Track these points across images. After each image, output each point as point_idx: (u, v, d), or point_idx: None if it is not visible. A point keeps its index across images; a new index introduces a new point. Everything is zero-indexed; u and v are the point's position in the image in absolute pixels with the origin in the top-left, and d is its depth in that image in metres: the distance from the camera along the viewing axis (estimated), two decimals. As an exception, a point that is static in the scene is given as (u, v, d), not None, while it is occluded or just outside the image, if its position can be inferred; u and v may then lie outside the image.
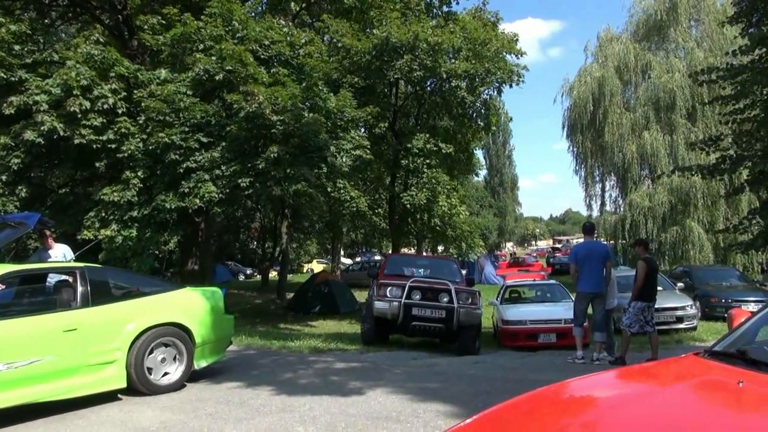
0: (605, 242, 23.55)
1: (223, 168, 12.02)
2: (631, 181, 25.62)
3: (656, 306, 11.07)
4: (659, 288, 12.49)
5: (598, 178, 28.47)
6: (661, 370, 3.03)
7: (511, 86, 17.16)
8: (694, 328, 11.87)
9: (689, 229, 23.46)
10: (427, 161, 16.49)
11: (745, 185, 11.53)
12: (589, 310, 8.79)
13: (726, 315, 7.13)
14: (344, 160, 12.81)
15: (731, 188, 14.32)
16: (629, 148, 25.11)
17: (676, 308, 11.96)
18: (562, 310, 10.82)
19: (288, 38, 13.78)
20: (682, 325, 11.84)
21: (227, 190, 12.05)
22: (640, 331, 8.17)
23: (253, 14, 14.89)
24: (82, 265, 6.08)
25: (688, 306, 12.18)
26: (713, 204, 22.95)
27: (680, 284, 13.78)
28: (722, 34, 21.45)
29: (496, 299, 12.98)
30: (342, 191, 13.58)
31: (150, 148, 12.02)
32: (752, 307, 11.17)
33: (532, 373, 7.18)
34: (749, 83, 9.91)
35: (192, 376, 6.38)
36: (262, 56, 13.27)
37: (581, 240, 9.09)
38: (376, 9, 16.44)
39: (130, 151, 12.04)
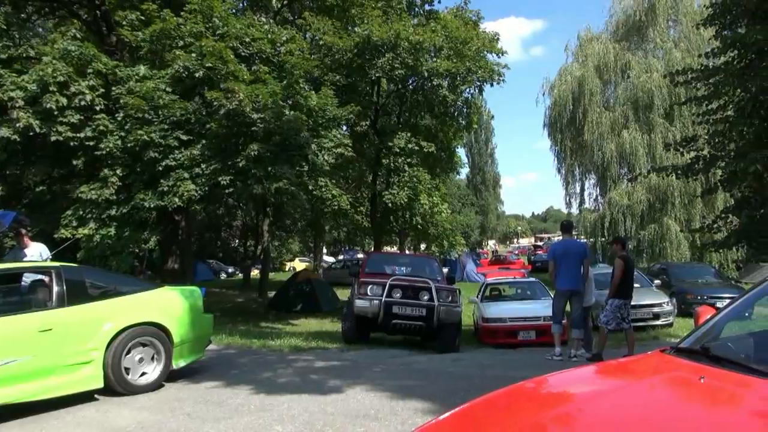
0: (584, 240, 23.80)
1: (203, 166, 11.95)
2: (610, 180, 25.89)
3: (634, 303, 11.28)
4: (637, 285, 12.74)
5: (578, 177, 28.75)
6: (630, 366, 3.11)
7: (492, 85, 17.21)
8: (671, 325, 12.07)
9: (667, 227, 23.80)
10: (409, 160, 16.53)
11: (719, 185, 11.69)
12: (568, 307, 8.86)
13: None
14: (326, 158, 12.82)
15: (706, 188, 14.57)
16: (608, 147, 25.37)
17: (653, 305, 12.17)
18: (541, 308, 10.94)
19: (269, 36, 13.73)
20: (658, 322, 12.05)
21: (207, 189, 12.00)
22: (617, 328, 8.31)
23: (233, 11, 14.78)
24: (57, 264, 6.03)
25: (664, 303, 12.39)
26: (690, 202, 23.29)
27: (657, 281, 14.01)
28: (699, 35, 21.82)
29: (477, 297, 13.08)
30: (323, 189, 13.52)
31: (129, 145, 11.90)
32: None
33: (511, 370, 7.27)
34: (722, 84, 10.09)
35: (170, 375, 6.37)
36: (243, 54, 13.24)
37: (560, 238, 9.24)
38: (358, 7, 16.46)
39: (108, 149, 11.91)
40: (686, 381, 2.45)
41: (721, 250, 15.03)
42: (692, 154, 11.53)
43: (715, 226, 12.69)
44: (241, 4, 16.88)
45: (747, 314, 3.26)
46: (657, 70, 24.35)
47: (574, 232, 13.22)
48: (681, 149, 11.76)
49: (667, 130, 24.08)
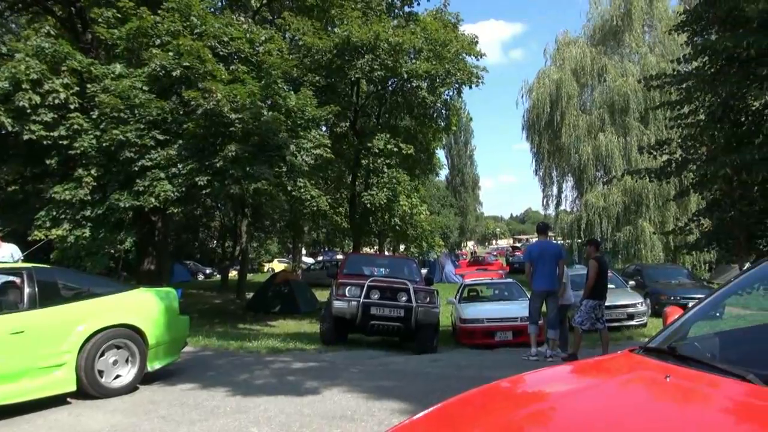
0: (560, 242, 24.07)
1: (180, 166, 11.87)
2: (586, 182, 26.22)
3: (609, 304, 11.51)
4: (612, 286, 12.98)
5: (555, 179, 29.04)
6: (601, 366, 3.16)
7: (470, 87, 17.28)
8: (645, 325, 12.28)
9: (641, 229, 24.19)
10: (388, 161, 16.55)
11: (691, 188, 11.96)
12: (544, 308, 8.95)
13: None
14: (305, 159, 12.81)
15: (679, 190, 14.93)
16: (585, 150, 25.68)
17: (627, 305, 12.39)
18: (518, 309, 11.03)
19: (247, 35, 13.66)
20: (633, 322, 12.26)
21: (184, 189, 11.92)
22: (591, 328, 8.44)
23: (212, 10, 14.66)
24: (29, 265, 5.93)
25: (638, 303, 12.63)
26: (664, 205, 23.63)
27: (632, 282, 14.26)
28: (674, 40, 22.23)
29: (455, 298, 13.14)
30: (302, 190, 13.48)
31: (104, 145, 11.73)
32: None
33: (487, 370, 7.34)
34: (694, 89, 10.31)
35: (145, 378, 6.31)
36: (221, 53, 13.16)
37: (537, 239, 9.41)
38: (338, 8, 16.44)
39: (82, 148, 11.72)
40: (653, 380, 2.48)
41: (693, 252, 15.25)
42: (665, 157, 11.73)
43: (687, 228, 12.94)
44: (219, 3, 16.73)
45: (718, 314, 3.34)
46: (633, 75, 24.71)
47: (551, 234, 13.34)
48: (654, 152, 12.02)
49: (642, 134, 24.47)
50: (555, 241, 17.84)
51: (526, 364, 7.76)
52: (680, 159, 11.17)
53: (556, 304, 8.58)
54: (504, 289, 13.40)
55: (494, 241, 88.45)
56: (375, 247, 23.41)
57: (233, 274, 29.04)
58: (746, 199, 10.59)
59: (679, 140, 11.54)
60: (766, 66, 8.16)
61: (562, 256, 8.72)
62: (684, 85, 10.48)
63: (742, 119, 10.14)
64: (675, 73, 10.69)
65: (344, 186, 19.40)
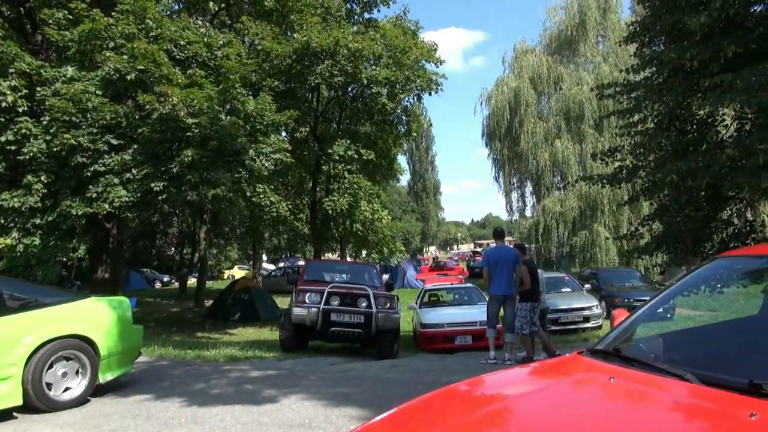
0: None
1: (135, 171, 11.67)
2: (544, 187, 26.85)
3: (565, 307, 12.16)
4: (568, 289, 13.29)
5: (516, 185, 29.61)
6: (551, 368, 3.25)
7: (430, 94, 17.49)
8: (600, 327, 12.61)
9: (597, 233, 24.84)
10: (349, 167, 16.56)
11: (641, 193, 12.32)
12: (502, 312, 9.09)
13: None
14: (264, 164, 12.68)
15: (631, 195, 15.46)
16: (543, 156, 26.29)
17: (583, 308, 12.77)
18: (477, 313, 11.11)
19: (205, 39, 13.53)
20: (588, 324, 12.62)
21: (139, 195, 11.69)
22: (533, 331, 8.64)
23: (168, 13, 14.51)
24: (-28, 275, 5.67)
25: (594, 306, 13.01)
26: (618, 209, 24.32)
27: (587, 285, 14.68)
28: (626, 50, 23.00)
29: (416, 303, 13.18)
30: (262, 196, 13.37)
31: (54, 150, 11.37)
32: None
33: (446, 375, 7.40)
34: (642, 99, 10.65)
35: (97, 390, 6.11)
36: (178, 57, 12.99)
37: (494, 245, 9.48)
38: (297, 13, 16.37)
39: (32, 154, 11.34)
40: (597, 381, 2.55)
41: (644, 255, 15.79)
42: (617, 164, 12.07)
43: (638, 232, 13.38)
44: (176, 6, 16.50)
45: (669, 315, 3.45)
46: (587, 83, 25.40)
47: (510, 239, 13.45)
48: (606, 159, 12.28)
49: (597, 141, 25.17)
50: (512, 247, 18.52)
51: (485, 368, 7.86)
52: (630, 166, 11.46)
53: (513, 308, 8.69)
54: (464, 293, 13.52)
55: (456, 246, 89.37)
56: (337, 253, 23.38)
57: (192, 281, 28.62)
58: (692, 204, 10.95)
59: (629, 147, 11.87)
60: (708, 77, 8.47)
61: (518, 262, 8.79)
62: (633, 94, 10.80)
63: (688, 128, 10.50)
64: (625, 82, 11.03)
65: (305, 192, 19.38)
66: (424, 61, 17.40)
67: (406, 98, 17.99)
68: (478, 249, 63.33)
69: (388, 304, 9.92)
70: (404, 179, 50.26)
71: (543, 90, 27.69)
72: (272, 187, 14.21)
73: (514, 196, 29.65)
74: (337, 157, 16.46)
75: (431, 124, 51.28)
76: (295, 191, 19.61)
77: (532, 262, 9.14)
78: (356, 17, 18.70)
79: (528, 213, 29.43)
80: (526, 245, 12.36)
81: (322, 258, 19.72)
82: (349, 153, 16.51)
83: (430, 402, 2.66)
